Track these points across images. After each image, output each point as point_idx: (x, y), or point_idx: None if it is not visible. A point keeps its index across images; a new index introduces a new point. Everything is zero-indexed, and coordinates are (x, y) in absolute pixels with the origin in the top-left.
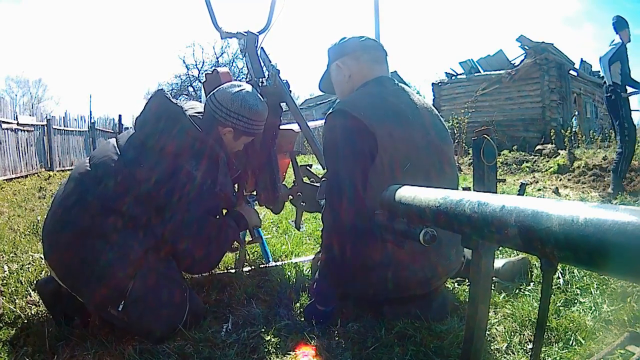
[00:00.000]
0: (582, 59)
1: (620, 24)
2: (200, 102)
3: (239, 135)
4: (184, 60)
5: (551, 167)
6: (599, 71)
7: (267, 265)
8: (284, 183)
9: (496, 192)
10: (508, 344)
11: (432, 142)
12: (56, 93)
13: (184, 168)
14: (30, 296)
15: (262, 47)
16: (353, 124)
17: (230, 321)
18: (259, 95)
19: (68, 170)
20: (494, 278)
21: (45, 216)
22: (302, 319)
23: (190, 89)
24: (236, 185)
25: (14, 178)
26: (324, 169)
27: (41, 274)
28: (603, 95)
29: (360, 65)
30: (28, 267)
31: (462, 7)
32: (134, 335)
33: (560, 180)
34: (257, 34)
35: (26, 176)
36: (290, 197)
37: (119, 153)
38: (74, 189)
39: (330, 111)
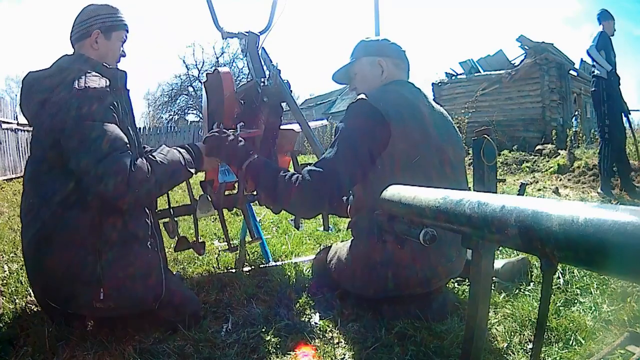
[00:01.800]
0: (582, 59)
1: (604, 15)
2: (201, 102)
3: (109, 33)
4: (184, 60)
5: (551, 167)
6: (593, 66)
7: (267, 265)
8: None
9: (496, 192)
10: (508, 344)
11: (441, 144)
12: None
13: (48, 103)
14: (30, 296)
15: (263, 47)
16: (371, 114)
17: (230, 321)
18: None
19: None
20: (494, 278)
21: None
22: (302, 319)
23: (190, 89)
24: (236, 185)
25: (14, 178)
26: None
27: None
28: (590, 89)
29: (396, 70)
30: None
31: (462, 7)
32: (131, 318)
33: (560, 180)
34: (259, 34)
35: None
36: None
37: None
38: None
39: (351, 101)
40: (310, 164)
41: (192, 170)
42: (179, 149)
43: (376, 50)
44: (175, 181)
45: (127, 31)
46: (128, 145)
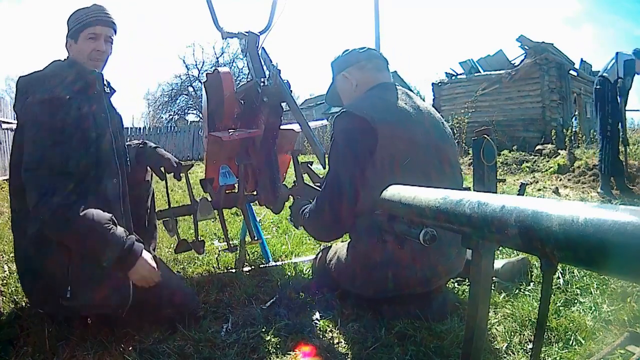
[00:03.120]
0: (582, 59)
1: (638, 55)
2: (201, 102)
3: (76, 36)
4: (184, 60)
5: (551, 167)
6: (599, 71)
7: (267, 265)
8: (284, 183)
9: (496, 192)
10: (508, 344)
11: (434, 143)
12: None
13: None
14: None
15: (263, 47)
16: (356, 123)
17: (230, 321)
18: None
19: None
20: (494, 278)
21: None
22: (302, 319)
23: (190, 89)
24: (236, 186)
25: None
26: (324, 168)
27: None
28: (593, 86)
29: (365, 74)
30: None
31: (462, 7)
32: (132, 318)
33: (560, 180)
34: (258, 34)
35: None
36: (291, 197)
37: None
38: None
39: (336, 114)
40: (310, 164)
41: (104, 260)
42: (128, 238)
43: (340, 66)
44: (86, 250)
45: (101, 25)
46: (70, 171)
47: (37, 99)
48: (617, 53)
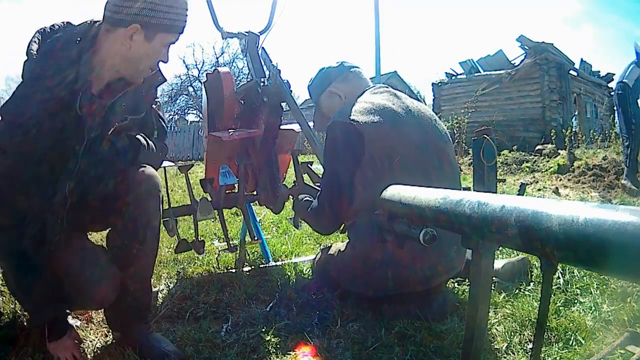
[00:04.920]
0: (582, 59)
1: None
2: (201, 102)
3: (153, 33)
4: (184, 60)
5: (551, 167)
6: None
7: (267, 265)
8: (284, 183)
9: (496, 192)
10: (508, 344)
11: (433, 142)
12: None
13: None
14: None
15: (263, 47)
16: (344, 129)
17: (230, 321)
18: None
19: None
20: (494, 278)
21: None
22: (302, 319)
23: (190, 89)
24: (236, 186)
25: None
26: (324, 168)
27: None
28: (615, 91)
29: (349, 83)
30: None
31: (462, 7)
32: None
33: (560, 180)
34: (258, 34)
35: None
36: (291, 197)
37: None
38: None
39: (327, 127)
40: (310, 164)
41: (34, 318)
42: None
43: (322, 84)
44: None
45: (181, 32)
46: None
47: (6, 112)
48: (636, 45)
